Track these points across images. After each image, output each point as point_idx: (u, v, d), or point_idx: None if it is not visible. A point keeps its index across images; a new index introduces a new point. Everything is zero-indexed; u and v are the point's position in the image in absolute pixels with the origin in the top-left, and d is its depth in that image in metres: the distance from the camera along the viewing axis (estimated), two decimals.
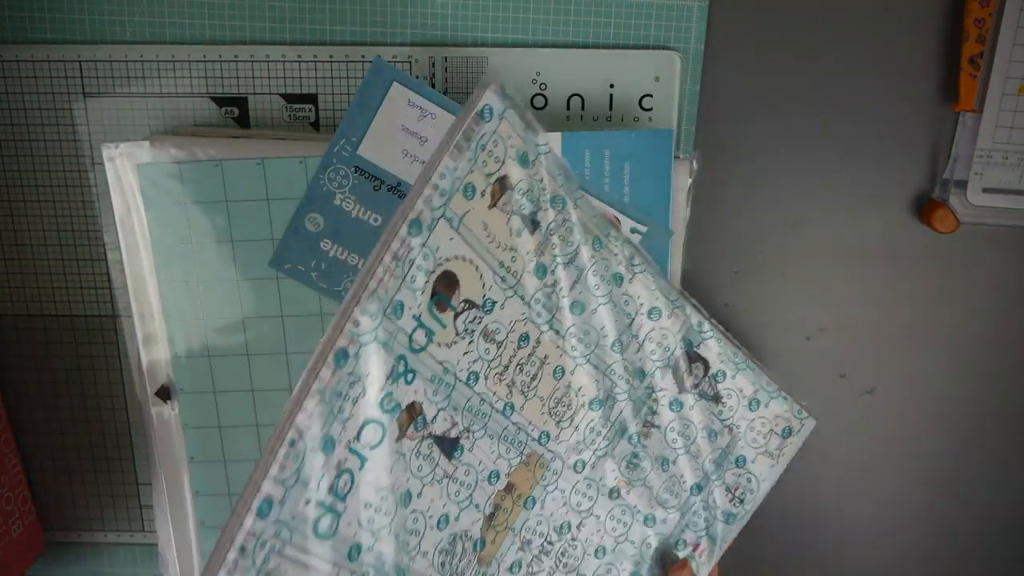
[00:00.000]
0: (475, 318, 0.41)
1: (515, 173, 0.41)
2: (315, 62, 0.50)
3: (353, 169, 0.48)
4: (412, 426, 0.39)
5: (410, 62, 0.50)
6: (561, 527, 0.49)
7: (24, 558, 0.55)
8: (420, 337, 0.38)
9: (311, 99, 0.51)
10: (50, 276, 0.53)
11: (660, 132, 0.47)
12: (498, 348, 0.43)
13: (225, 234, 0.49)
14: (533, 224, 0.42)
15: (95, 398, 0.55)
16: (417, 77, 0.50)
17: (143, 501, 0.57)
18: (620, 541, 0.51)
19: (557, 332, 0.45)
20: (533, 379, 0.45)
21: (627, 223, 0.48)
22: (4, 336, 0.54)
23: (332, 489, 0.35)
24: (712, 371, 0.50)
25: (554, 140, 0.47)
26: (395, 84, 0.46)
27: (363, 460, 0.36)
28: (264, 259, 0.49)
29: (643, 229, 0.48)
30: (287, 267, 0.49)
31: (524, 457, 0.46)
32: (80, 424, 0.55)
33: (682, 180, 0.49)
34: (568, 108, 0.51)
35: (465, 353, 0.41)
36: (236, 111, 0.51)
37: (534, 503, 0.47)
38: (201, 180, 0.48)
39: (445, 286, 0.39)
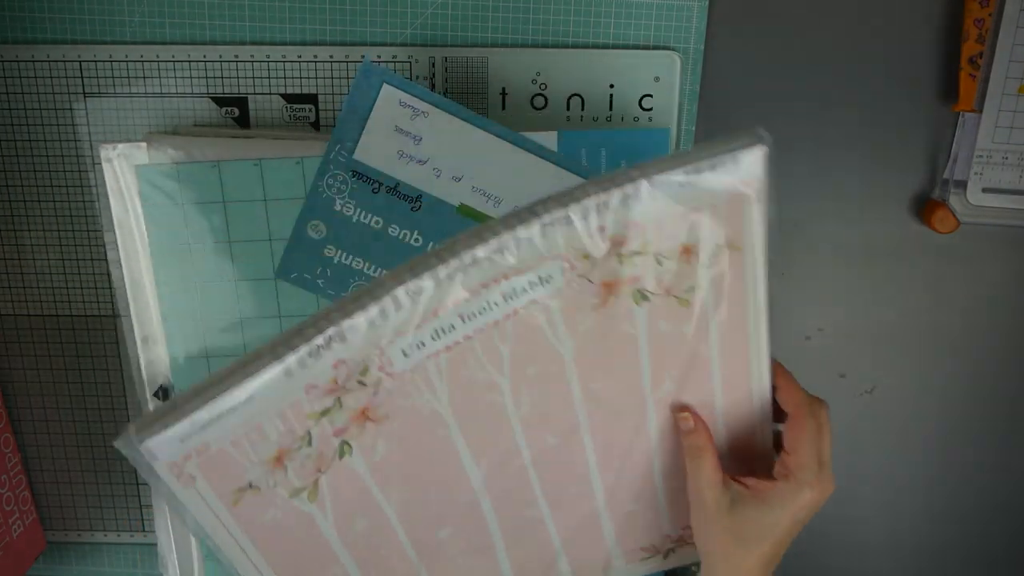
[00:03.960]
0: None
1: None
2: (315, 62, 0.50)
3: (351, 174, 0.48)
4: None
5: (410, 62, 0.50)
6: None
7: (24, 558, 0.55)
8: None
9: (311, 99, 0.51)
10: (50, 276, 0.53)
11: (657, 131, 0.47)
12: None
13: (223, 235, 0.49)
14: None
15: (95, 398, 0.55)
16: (417, 77, 0.50)
17: (143, 501, 0.57)
18: None
19: None
20: None
21: None
22: (4, 336, 0.54)
23: None
24: None
25: (550, 139, 0.47)
26: (385, 85, 0.46)
27: None
28: (262, 260, 0.49)
29: None
30: (293, 276, 0.49)
31: None
32: (80, 424, 0.55)
33: None
34: (568, 108, 0.50)
35: None
36: (236, 111, 0.51)
37: None
38: (198, 181, 0.48)
39: None
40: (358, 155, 0.47)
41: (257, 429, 0.37)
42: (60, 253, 0.53)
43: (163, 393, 0.51)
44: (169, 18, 0.50)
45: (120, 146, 0.48)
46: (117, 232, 0.49)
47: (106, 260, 0.53)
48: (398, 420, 0.40)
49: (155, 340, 0.50)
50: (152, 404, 0.51)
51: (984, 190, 0.51)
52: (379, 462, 0.41)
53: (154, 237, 0.49)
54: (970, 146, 0.50)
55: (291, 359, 0.35)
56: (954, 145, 0.51)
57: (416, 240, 0.48)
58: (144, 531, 0.57)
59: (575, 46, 0.50)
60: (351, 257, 0.49)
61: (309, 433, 0.39)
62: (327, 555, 0.42)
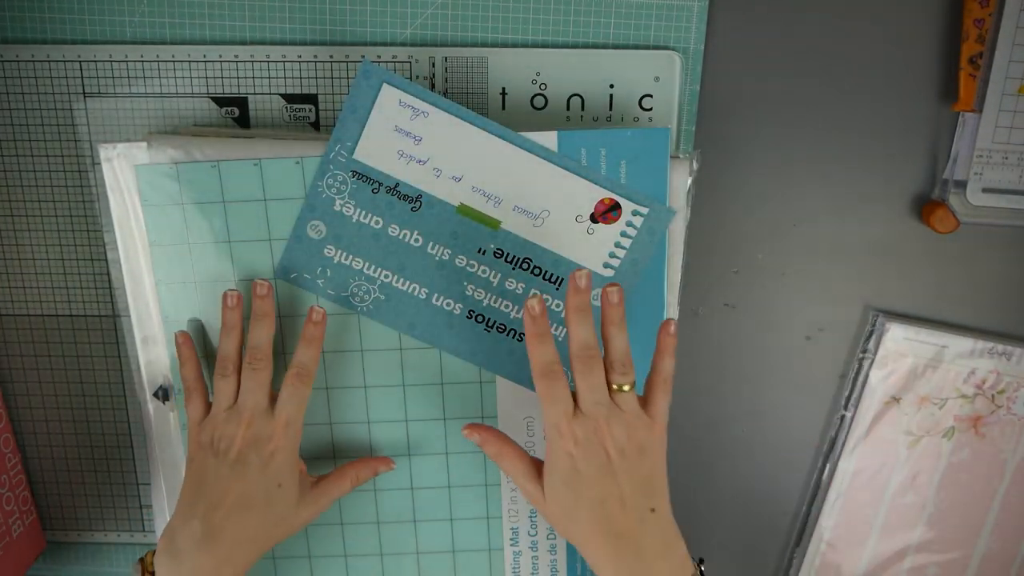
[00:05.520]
0: None
1: None
2: (315, 62, 0.50)
3: (351, 174, 0.48)
4: None
5: (410, 62, 0.50)
6: None
7: (24, 558, 0.55)
8: None
9: (311, 99, 0.51)
10: (50, 276, 0.53)
11: (656, 130, 0.47)
12: None
13: (222, 235, 0.49)
14: None
15: (95, 398, 0.55)
16: (417, 77, 0.50)
17: (143, 501, 0.57)
18: None
19: None
20: None
21: (628, 206, 0.48)
22: (4, 336, 0.54)
23: None
24: None
25: (550, 139, 0.47)
26: (385, 85, 0.46)
27: None
28: (261, 260, 0.49)
29: (644, 211, 0.48)
30: (293, 276, 0.49)
31: None
32: (80, 424, 0.55)
33: (682, 180, 0.49)
34: (568, 108, 0.51)
35: None
36: (236, 111, 0.51)
37: None
38: (198, 181, 0.48)
39: None
40: (358, 155, 0.47)
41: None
42: (60, 253, 0.53)
43: (163, 393, 0.51)
44: (169, 18, 0.50)
45: (120, 146, 0.48)
46: (117, 232, 0.49)
47: (106, 260, 0.53)
48: (979, 449, 0.54)
49: (155, 340, 0.50)
50: (152, 404, 0.51)
51: (984, 190, 0.51)
52: (947, 463, 0.55)
53: (154, 237, 0.49)
54: (970, 146, 0.50)
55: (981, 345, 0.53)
56: (954, 145, 0.51)
57: (416, 240, 0.48)
58: (144, 531, 0.57)
59: (575, 46, 0.50)
60: (351, 257, 0.49)
61: (945, 400, 0.54)
62: None
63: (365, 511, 0.53)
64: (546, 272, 0.49)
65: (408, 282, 0.49)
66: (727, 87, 0.51)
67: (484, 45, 0.50)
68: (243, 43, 0.50)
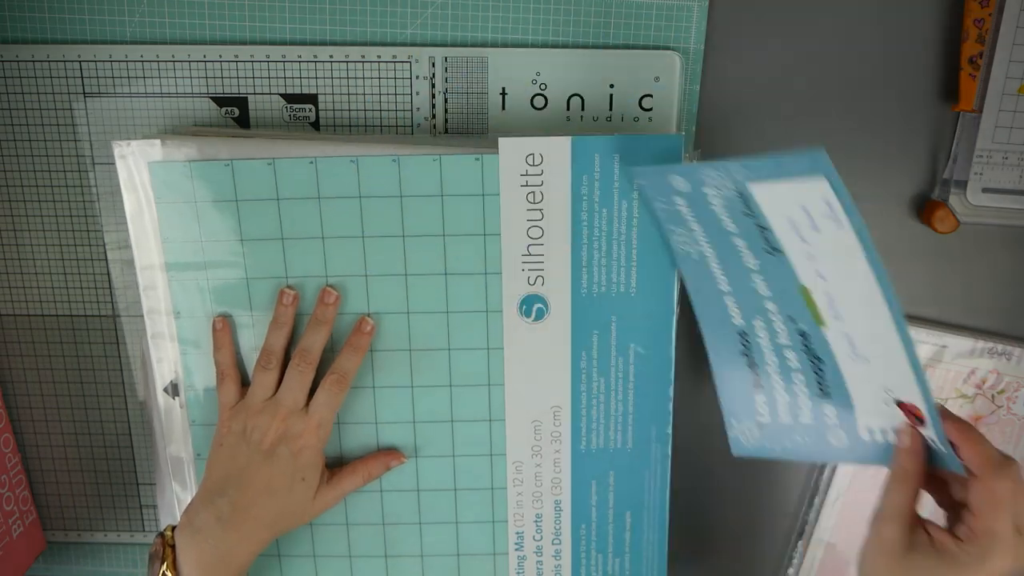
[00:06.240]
0: None
1: None
2: (315, 62, 0.50)
3: (736, 193, 0.42)
4: None
5: (410, 62, 0.50)
6: None
7: (24, 558, 0.55)
8: None
9: (311, 99, 0.51)
10: (50, 276, 0.53)
11: (670, 137, 0.47)
12: None
13: (235, 233, 0.48)
14: None
15: (95, 398, 0.55)
16: (417, 77, 0.50)
17: (143, 501, 0.57)
18: None
19: None
20: None
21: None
22: (4, 336, 0.54)
23: None
24: None
25: (563, 145, 0.46)
26: (821, 177, 0.41)
27: None
28: (274, 258, 0.49)
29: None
30: (640, 183, 0.46)
31: None
32: (80, 424, 0.55)
33: None
34: (568, 108, 0.51)
35: None
36: (236, 111, 0.51)
37: None
38: (212, 179, 0.48)
39: None
40: (755, 189, 0.41)
41: None
42: (60, 253, 0.53)
43: (172, 389, 0.51)
44: (169, 18, 0.50)
45: (134, 143, 0.47)
46: (131, 228, 0.49)
47: (106, 260, 0.53)
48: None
49: (165, 337, 0.50)
50: (162, 400, 0.51)
51: (984, 190, 0.51)
52: None
53: (167, 233, 0.49)
54: (970, 146, 0.50)
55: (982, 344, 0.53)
56: (954, 145, 0.51)
57: (750, 264, 0.44)
58: (144, 531, 0.57)
59: (575, 46, 0.50)
60: (675, 228, 0.46)
61: (945, 400, 0.54)
62: None
63: (370, 512, 0.53)
64: (823, 379, 0.45)
65: (720, 270, 0.46)
66: (727, 87, 0.51)
67: (484, 45, 0.50)
68: (243, 43, 0.50)
